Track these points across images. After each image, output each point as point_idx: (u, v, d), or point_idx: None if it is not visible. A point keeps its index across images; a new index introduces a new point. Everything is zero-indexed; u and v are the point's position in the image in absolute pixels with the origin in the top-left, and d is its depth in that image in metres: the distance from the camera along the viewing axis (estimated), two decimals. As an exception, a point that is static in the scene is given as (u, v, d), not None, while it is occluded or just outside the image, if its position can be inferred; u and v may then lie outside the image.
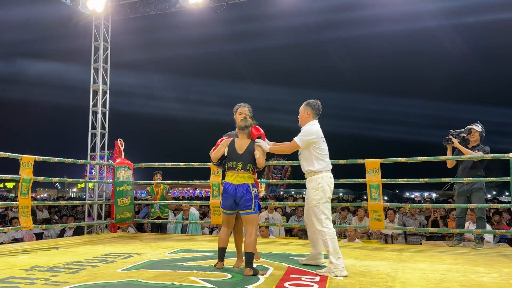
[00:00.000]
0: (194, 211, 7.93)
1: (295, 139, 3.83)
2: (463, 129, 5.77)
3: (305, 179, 4.00)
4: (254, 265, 3.71)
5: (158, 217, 7.66)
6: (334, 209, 9.07)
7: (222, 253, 3.88)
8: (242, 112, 4.14)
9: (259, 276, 3.52)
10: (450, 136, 5.78)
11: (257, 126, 4.02)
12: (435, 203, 10.25)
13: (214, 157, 4.00)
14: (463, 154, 5.62)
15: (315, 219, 3.79)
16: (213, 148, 4.08)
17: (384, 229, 6.86)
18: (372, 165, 5.95)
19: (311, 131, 3.85)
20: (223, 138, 4.16)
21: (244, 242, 3.81)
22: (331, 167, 3.94)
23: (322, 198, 3.77)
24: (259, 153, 3.82)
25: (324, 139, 3.94)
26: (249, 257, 3.63)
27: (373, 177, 5.93)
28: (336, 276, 3.53)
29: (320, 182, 3.79)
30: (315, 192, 3.79)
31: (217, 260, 3.90)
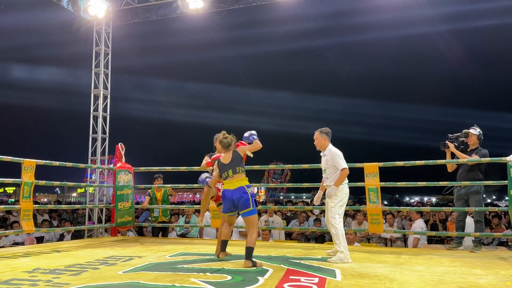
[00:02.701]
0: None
1: (341, 167, 4.71)
2: (460, 133, 5.84)
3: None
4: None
5: (162, 221, 7.65)
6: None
7: (224, 245, 4.60)
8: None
9: (258, 277, 3.57)
10: (447, 141, 5.84)
11: (241, 141, 4.75)
12: (434, 207, 10.29)
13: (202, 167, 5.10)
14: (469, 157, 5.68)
15: (331, 218, 4.69)
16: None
17: (383, 233, 6.91)
18: (371, 168, 6.01)
19: (342, 157, 4.79)
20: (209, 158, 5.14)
21: (246, 239, 4.30)
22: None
23: (340, 202, 4.73)
24: (247, 150, 4.50)
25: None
26: (249, 251, 4.14)
27: (372, 181, 5.98)
28: (345, 262, 4.45)
29: (340, 190, 4.74)
30: (335, 198, 4.72)
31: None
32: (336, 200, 4.71)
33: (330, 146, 4.87)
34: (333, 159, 4.76)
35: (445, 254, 5.25)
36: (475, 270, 4.06)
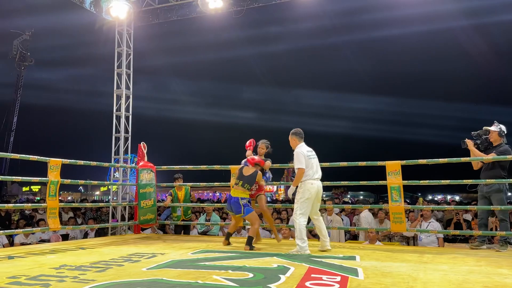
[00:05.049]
0: None
1: (296, 166, 5.09)
2: (480, 130, 5.75)
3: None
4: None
5: (182, 219, 7.75)
6: (357, 211, 9.05)
7: (228, 235, 5.85)
8: (261, 148, 5.99)
9: (280, 275, 3.58)
10: (466, 139, 5.75)
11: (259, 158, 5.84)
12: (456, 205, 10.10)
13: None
14: (487, 155, 5.59)
15: (294, 211, 5.12)
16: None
17: (406, 232, 6.82)
18: (393, 167, 5.94)
19: (300, 155, 5.10)
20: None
21: (248, 230, 5.63)
22: (315, 176, 5.15)
23: (301, 198, 5.07)
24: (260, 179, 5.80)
25: (310, 155, 5.17)
26: (249, 239, 5.37)
27: (394, 179, 5.91)
28: (302, 254, 4.82)
29: (302, 187, 5.08)
30: (298, 195, 5.12)
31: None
32: (298, 196, 5.09)
33: (298, 146, 5.24)
34: (294, 158, 5.16)
35: (470, 253, 5.16)
36: (501, 270, 3.98)
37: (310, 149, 5.29)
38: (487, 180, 5.51)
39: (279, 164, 7.58)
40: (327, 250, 5.20)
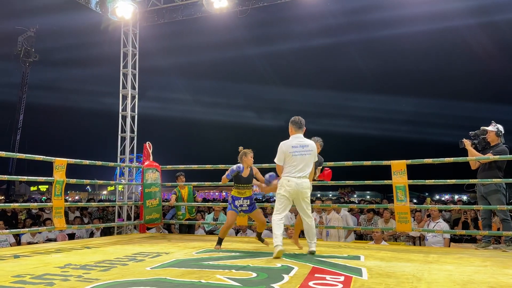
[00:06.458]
0: None
1: (275, 161, 4.86)
2: (478, 130, 5.73)
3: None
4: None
5: (188, 218, 7.77)
6: (360, 211, 9.03)
7: (258, 235, 5.85)
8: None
9: (283, 275, 3.58)
10: (464, 139, 5.73)
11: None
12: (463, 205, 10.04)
13: None
14: (484, 155, 5.57)
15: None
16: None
17: (411, 231, 6.79)
18: (398, 166, 5.91)
19: (279, 152, 4.80)
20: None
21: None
22: (296, 174, 4.71)
23: (277, 193, 4.83)
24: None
25: (294, 151, 4.72)
26: (219, 239, 5.46)
27: (399, 179, 5.89)
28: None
29: (279, 183, 4.84)
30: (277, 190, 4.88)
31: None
32: (277, 191, 4.85)
33: (291, 137, 4.87)
34: None
35: (476, 254, 5.13)
36: (507, 270, 3.94)
37: (303, 143, 4.78)
38: (493, 180, 5.48)
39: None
40: (312, 252, 4.84)
